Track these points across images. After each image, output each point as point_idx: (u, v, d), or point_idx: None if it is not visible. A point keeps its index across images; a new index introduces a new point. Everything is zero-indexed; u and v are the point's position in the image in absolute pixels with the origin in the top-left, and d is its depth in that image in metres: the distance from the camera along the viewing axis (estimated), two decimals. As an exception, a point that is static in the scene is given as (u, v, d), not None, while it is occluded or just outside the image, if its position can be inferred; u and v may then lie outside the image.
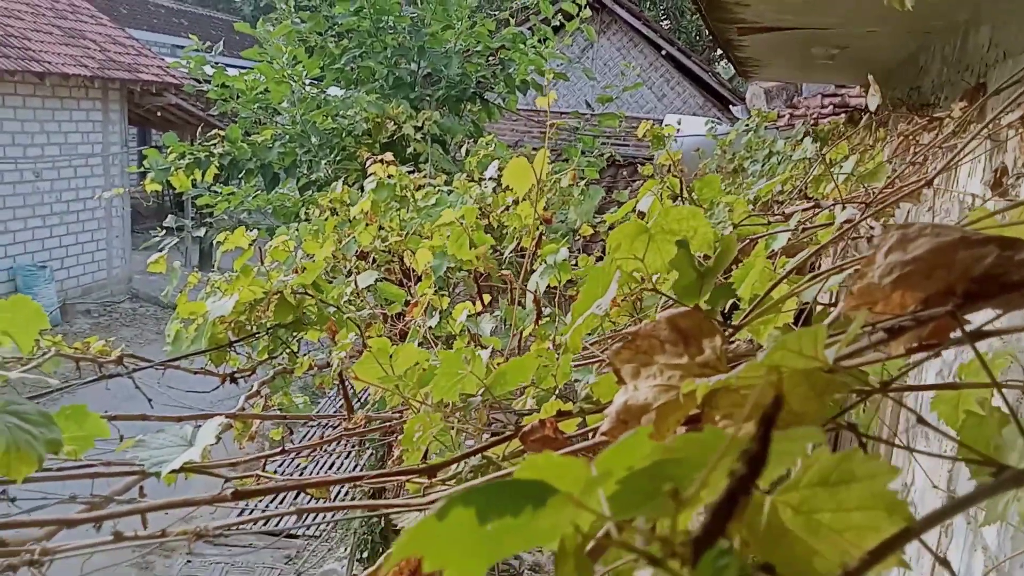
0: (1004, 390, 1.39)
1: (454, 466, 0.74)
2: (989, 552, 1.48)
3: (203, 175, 5.54)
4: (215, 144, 5.76)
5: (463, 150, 4.93)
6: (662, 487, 0.27)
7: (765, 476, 0.34)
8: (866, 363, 0.51)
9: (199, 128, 6.20)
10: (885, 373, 0.66)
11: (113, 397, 2.51)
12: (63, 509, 0.92)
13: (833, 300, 1.12)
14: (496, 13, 7.41)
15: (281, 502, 5.57)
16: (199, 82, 6.55)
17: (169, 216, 6.38)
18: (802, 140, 3.53)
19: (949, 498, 1.54)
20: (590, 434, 0.65)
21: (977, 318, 0.57)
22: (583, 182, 3.59)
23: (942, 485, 1.66)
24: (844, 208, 1.33)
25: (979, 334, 0.50)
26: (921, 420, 0.55)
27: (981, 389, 0.87)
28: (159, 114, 13.09)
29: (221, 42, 7.07)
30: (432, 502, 0.80)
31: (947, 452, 1.51)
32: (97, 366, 1.88)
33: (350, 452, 5.36)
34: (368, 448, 5.18)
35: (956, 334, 0.51)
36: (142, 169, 5.78)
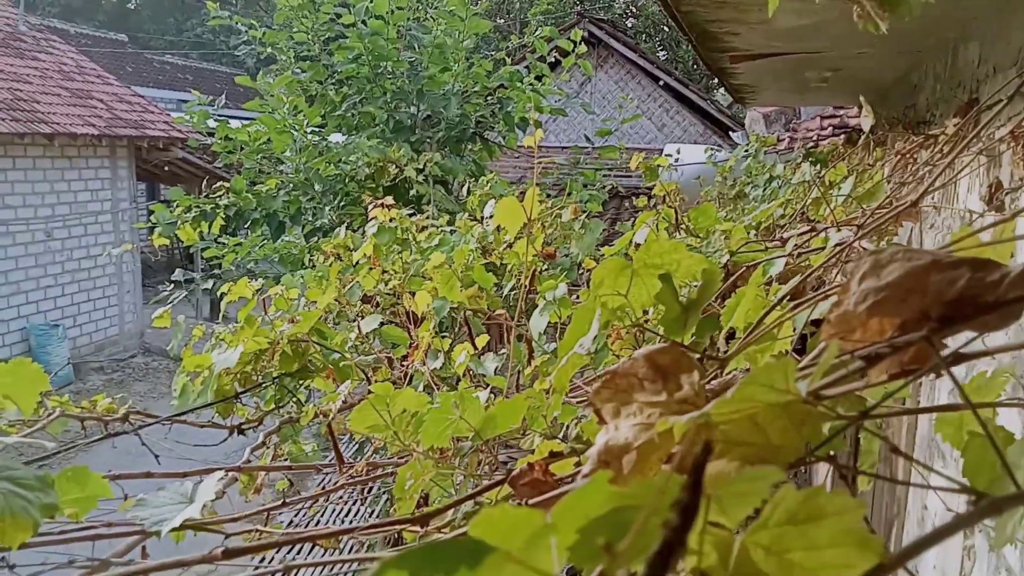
0: (1014, 410, 1.36)
1: (449, 513, 0.73)
2: (1013, 573, 1.44)
3: (210, 227, 5.60)
4: (221, 196, 5.83)
5: (465, 190, 4.97)
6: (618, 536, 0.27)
7: (731, 517, 0.34)
8: (846, 391, 0.50)
9: (205, 180, 6.28)
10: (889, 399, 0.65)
11: (123, 455, 2.51)
12: (62, 574, 0.92)
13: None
14: (492, 53, 7.52)
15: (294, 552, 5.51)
16: (203, 135, 6.66)
17: (178, 270, 6.45)
18: (801, 163, 3.54)
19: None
20: (579, 476, 0.65)
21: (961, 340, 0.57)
22: (584, 215, 3.61)
23: (959, 510, 1.62)
24: (839, 231, 1.33)
25: (957, 358, 0.49)
26: (895, 450, 0.54)
27: (985, 409, 0.85)
28: (167, 168, 13.29)
29: (223, 95, 7.20)
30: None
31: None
32: (103, 424, 1.88)
33: (366, 499, 5.32)
34: (383, 493, 5.14)
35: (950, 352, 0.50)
36: (151, 224, 5.86)
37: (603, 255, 2.93)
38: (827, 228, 1.38)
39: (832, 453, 0.48)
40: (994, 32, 1.96)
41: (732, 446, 0.46)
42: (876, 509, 2.81)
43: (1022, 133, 1.43)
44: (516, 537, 0.26)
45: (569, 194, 5.69)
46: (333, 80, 6.78)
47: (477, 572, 0.25)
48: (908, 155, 2.49)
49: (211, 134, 6.51)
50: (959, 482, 0.44)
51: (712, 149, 6.10)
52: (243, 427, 2.30)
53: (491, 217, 2.65)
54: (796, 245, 1.55)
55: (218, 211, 5.71)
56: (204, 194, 5.92)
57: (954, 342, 0.54)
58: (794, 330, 0.96)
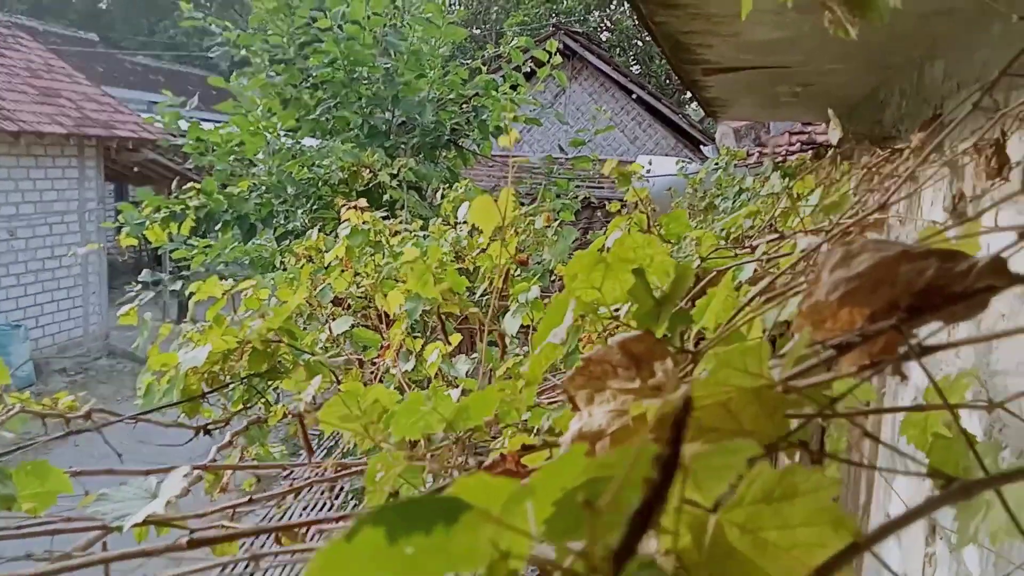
0: (975, 413, 1.39)
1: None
2: (973, 579, 1.47)
3: (179, 228, 5.53)
4: (191, 197, 5.76)
5: (439, 196, 4.97)
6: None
7: (707, 493, 0.34)
8: (817, 381, 0.51)
9: (175, 182, 6.20)
10: (853, 397, 0.66)
11: (85, 456, 2.45)
12: (20, 567, 0.89)
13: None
14: (468, 62, 7.53)
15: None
16: (174, 136, 6.58)
17: (145, 271, 6.34)
18: (770, 176, 3.59)
19: (928, 523, 1.53)
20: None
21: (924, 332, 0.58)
22: (557, 223, 3.62)
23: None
24: (806, 236, 1.35)
25: (926, 348, 0.50)
26: (867, 435, 0.55)
27: (945, 411, 0.87)
28: (136, 170, 13.09)
29: (196, 96, 7.13)
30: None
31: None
32: (65, 422, 1.84)
33: (331, 505, 5.26)
34: (351, 497, 5.09)
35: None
36: (118, 224, 5.76)
37: (576, 262, 2.93)
38: (795, 235, 1.40)
39: (802, 440, 0.49)
40: (959, 49, 2.01)
41: (705, 432, 0.47)
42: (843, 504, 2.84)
43: (984, 146, 1.46)
44: (494, 500, 0.26)
45: (543, 202, 5.71)
46: (308, 84, 6.74)
47: (454, 529, 0.25)
48: (874, 168, 2.54)
49: (182, 135, 6.43)
50: (929, 469, 0.44)
51: (683, 161, 6.16)
52: (210, 428, 2.27)
53: (465, 221, 2.65)
54: (765, 252, 1.57)
55: (188, 212, 5.63)
56: (174, 195, 5.84)
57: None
58: (764, 331, 0.97)
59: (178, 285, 5.54)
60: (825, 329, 0.53)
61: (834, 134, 2.24)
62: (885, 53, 2.55)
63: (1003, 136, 1.22)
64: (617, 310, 0.86)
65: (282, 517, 4.64)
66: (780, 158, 5.29)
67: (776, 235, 1.65)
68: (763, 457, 0.47)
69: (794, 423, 0.52)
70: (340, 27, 6.44)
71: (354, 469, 1.30)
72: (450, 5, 7.25)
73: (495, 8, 21.32)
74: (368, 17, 6.38)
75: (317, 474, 1.28)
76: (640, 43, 21.52)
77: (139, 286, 6.02)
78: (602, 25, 22.73)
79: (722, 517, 0.35)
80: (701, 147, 14.54)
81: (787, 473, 0.34)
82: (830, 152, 3.26)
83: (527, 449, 0.71)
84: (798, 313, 0.53)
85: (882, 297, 0.50)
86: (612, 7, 22.18)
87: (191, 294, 2.52)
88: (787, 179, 3.51)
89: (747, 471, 0.34)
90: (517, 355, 1.62)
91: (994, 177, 1.17)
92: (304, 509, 4.93)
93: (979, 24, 1.77)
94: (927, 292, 0.48)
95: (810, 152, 5.13)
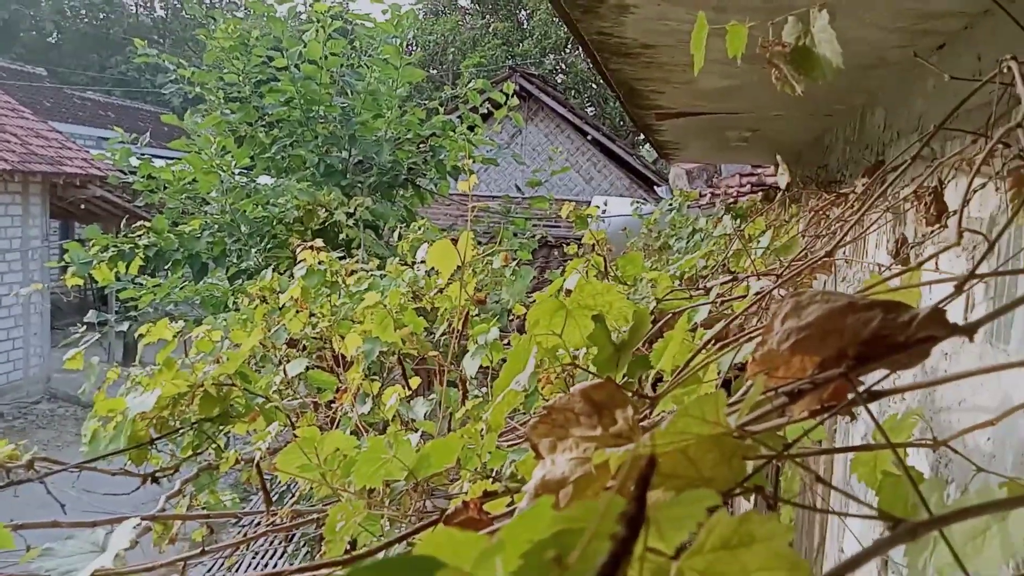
0: (922, 450, 1.43)
1: (380, 555, 0.71)
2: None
3: (127, 267, 5.41)
4: (140, 235, 5.65)
5: (396, 235, 4.96)
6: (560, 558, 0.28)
7: (668, 541, 0.35)
8: (771, 427, 0.53)
9: (124, 220, 6.08)
10: (807, 438, 0.67)
11: (25, 505, 2.36)
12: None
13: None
14: (426, 102, 7.61)
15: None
16: (125, 173, 6.48)
17: (91, 311, 6.17)
18: (722, 217, 3.68)
19: (880, 558, 1.56)
20: (513, 513, 0.65)
21: (875, 378, 0.60)
22: (515, 263, 3.65)
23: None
24: (759, 279, 1.39)
25: (873, 395, 0.52)
26: (819, 479, 0.57)
27: (891, 450, 0.89)
28: (83, 207, 12.79)
29: (147, 133, 7.04)
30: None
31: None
32: (5, 472, 1.77)
33: (284, 552, 5.12)
34: (303, 545, 4.96)
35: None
36: (63, 263, 5.61)
37: (534, 301, 2.96)
38: (748, 277, 1.44)
39: (758, 485, 0.50)
40: (897, 100, 2.11)
41: (665, 478, 0.48)
42: (796, 547, 2.87)
43: (923, 193, 1.53)
44: (464, 557, 0.27)
45: (500, 241, 5.75)
46: (263, 122, 6.72)
47: (429, 587, 0.26)
48: (821, 212, 2.62)
49: (133, 172, 6.33)
50: (877, 510, 0.46)
51: (638, 202, 6.28)
52: (157, 475, 2.20)
53: (423, 262, 2.65)
54: (719, 294, 1.61)
55: (137, 251, 5.52)
56: (123, 233, 5.73)
57: (868, 389, 0.58)
58: (719, 373, 0.99)
59: (125, 326, 5.41)
60: (778, 377, 0.54)
61: (782, 178, 2.31)
62: (828, 102, 2.66)
63: (940, 184, 1.28)
64: (573, 357, 0.87)
65: (233, 567, 4.50)
66: (732, 199, 5.43)
67: (729, 276, 1.69)
68: (721, 504, 0.49)
69: (750, 467, 0.54)
70: (297, 67, 6.46)
71: (309, 517, 1.27)
72: (407, 47, 7.33)
73: (452, 50, 21.62)
74: (325, 57, 6.42)
75: (272, 523, 1.26)
76: (595, 86, 22.01)
77: (84, 327, 5.85)
78: (558, 68, 23.21)
79: (683, 564, 0.36)
80: (655, 187, 14.83)
81: (744, 520, 0.35)
82: (779, 195, 3.36)
83: (489, 496, 0.71)
84: (752, 361, 0.54)
85: (831, 346, 0.52)
86: (567, 51, 22.68)
87: (139, 335, 2.46)
88: (738, 220, 3.61)
89: (706, 519, 0.35)
90: (476, 396, 1.62)
91: (933, 224, 1.23)
92: (255, 557, 4.79)
93: (915, 76, 1.86)
94: (872, 342, 0.50)
95: (760, 194, 5.28)
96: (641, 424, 0.72)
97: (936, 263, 1.27)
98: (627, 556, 0.28)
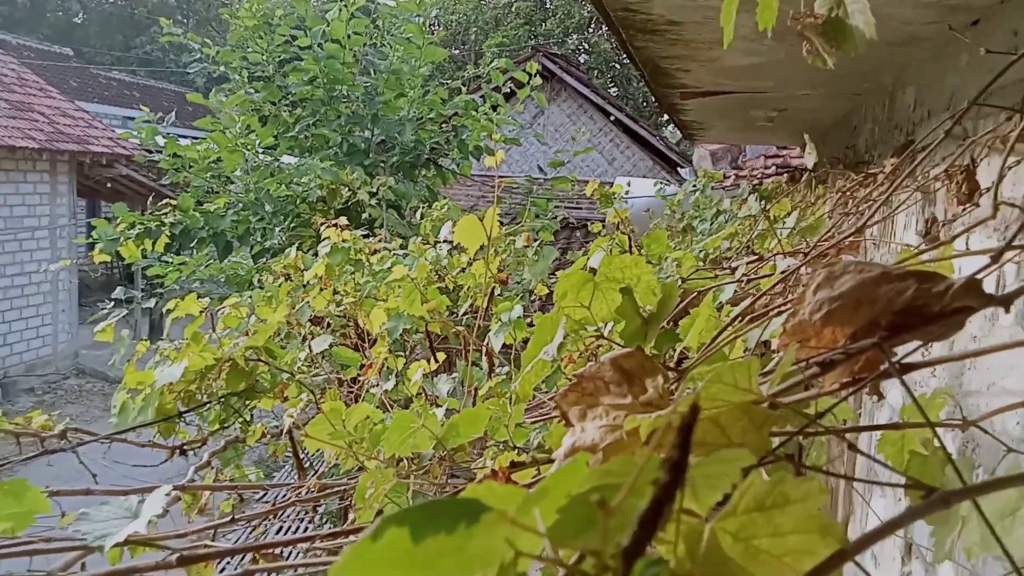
0: (948, 434, 1.42)
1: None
2: (947, 596, 1.49)
3: (153, 245, 5.47)
4: (166, 213, 5.71)
5: (418, 215, 4.98)
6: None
7: (702, 501, 0.35)
8: (804, 398, 0.53)
9: (150, 198, 6.15)
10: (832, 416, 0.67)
11: (57, 475, 2.41)
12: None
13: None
14: (448, 82, 7.58)
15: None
16: (150, 152, 6.54)
17: (118, 288, 6.26)
18: (747, 199, 3.65)
19: (904, 542, 1.55)
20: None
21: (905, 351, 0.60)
22: (537, 243, 3.65)
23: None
24: (785, 259, 1.38)
25: (905, 367, 0.52)
26: (852, 447, 0.57)
27: (923, 430, 0.89)
28: (109, 185, 12.95)
29: (173, 112, 7.09)
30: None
31: (900, 493, 1.54)
32: (39, 441, 1.81)
33: (308, 524, 5.20)
34: (325, 520, 5.03)
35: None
36: (90, 240, 5.69)
37: (556, 282, 2.96)
38: (774, 256, 1.43)
39: (788, 454, 0.50)
40: (928, 78, 2.07)
41: (695, 446, 0.48)
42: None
43: (955, 172, 1.51)
44: (509, 503, 0.27)
45: (523, 222, 5.74)
46: (287, 101, 6.74)
47: (474, 529, 0.26)
48: (848, 192, 2.59)
49: (159, 151, 6.39)
50: (910, 478, 0.46)
51: (661, 183, 6.23)
52: (185, 448, 2.24)
53: (445, 241, 2.66)
54: (744, 273, 1.60)
55: (163, 229, 5.58)
56: (149, 211, 5.79)
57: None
58: (746, 350, 0.99)
59: (151, 303, 5.47)
60: (809, 347, 0.54)
61: (809, 158, 2.29)
62: (857, 80, 2.61)
63: (973, 163, 1.26)
64: (598, 330, 0.87)
65: (260, 537, 4.57)
66: (756, 181, 5.38)
67: (755, 257, 1.68)
68: (755, 463, 0.49)
69: (775, 443, 0.54)
70: (320, 46, 6.46)
71: (335, 489, 1.29)
72: (430, 26, 7.30)
73: (474, 29, 21.51)
74: (348, 36, 6.41)
75: (299, 494, 1.28)
76: (618, 66, 21.80)
77: (111, 303, 5.94)
78: (581, 48, 23.00)
79: (716, 526, 0.36)
80: (678, 169, 14.71)
81: (778, 482, 0.36)
82: (805, 176, 3.32)
83: (516, 466, 0.72)
84: (783, 332, 0.54)
85: (863, 316, 0.52)
86: (590, 30, 22.47)
87: (164, 312, 2.50)
88: (764, 201, 3.57)
89: (740, 481, 0.36)
90: (498, 374, 1.63)
91: (965, 203, 1.21)
92: (279, 531, 4.87)
93: (947, 53, 1.83)
94: (906, 312, 0.50)
95: (785, 175, 5.22)
96: (669, 396, 0.72)
97: (967, 243, 1.25)
98: (670, 502, 0.28)
